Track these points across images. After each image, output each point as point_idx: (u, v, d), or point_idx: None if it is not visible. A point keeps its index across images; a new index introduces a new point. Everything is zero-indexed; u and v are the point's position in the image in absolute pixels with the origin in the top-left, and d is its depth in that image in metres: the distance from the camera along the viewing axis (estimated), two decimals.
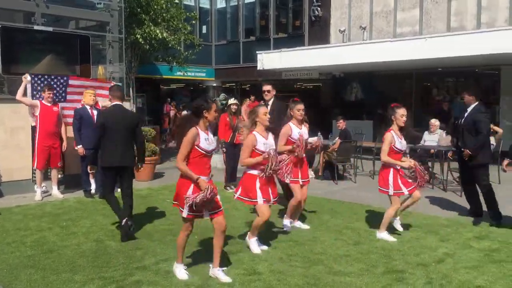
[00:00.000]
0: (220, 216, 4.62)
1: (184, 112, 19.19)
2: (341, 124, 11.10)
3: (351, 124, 11.64)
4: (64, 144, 8.73)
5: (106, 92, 9.13)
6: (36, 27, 9.61)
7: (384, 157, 5.97)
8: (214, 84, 22.98)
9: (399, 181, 5.98)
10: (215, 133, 9.06)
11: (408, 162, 6.03)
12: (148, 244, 5.83)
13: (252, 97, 18.49)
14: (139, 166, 6.44)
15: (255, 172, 5.38)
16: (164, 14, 14.46)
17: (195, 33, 19.88)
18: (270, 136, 5.52)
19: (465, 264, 5.14)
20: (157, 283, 4.61)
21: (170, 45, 14.79)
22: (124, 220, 5.99)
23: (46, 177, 8.86)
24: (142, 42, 13.83)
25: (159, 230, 6.50)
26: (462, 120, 7.13)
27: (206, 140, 4.53)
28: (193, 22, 16.94)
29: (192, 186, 4.49)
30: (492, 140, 10.37)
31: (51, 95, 8.43)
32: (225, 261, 5.12)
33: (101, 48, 11.48)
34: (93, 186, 8.84)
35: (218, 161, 10.54)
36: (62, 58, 9.93)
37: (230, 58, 21.79)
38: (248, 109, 8.44)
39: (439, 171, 10.09)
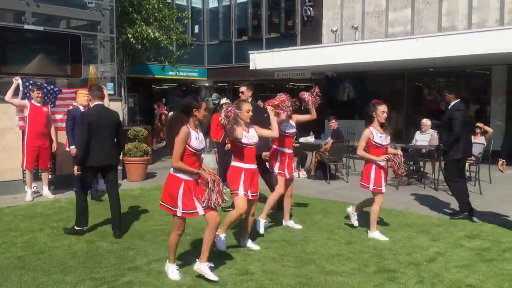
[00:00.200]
0: (214, 211, 4.60)
1: (171, 113, 19.14)
2: (333, 124, 11.12)
3: (343, 124, 11.66)
4: (54, 145, 8.66)
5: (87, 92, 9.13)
6: (26, 27, 9.52)
7: (359, 151, 6.16)
8: (206, 84, 22.95)
9: (382, 178, 6.07)
10: (207, 133, 9.06)
11: (383, 156, 6.03)
12: (140, 245, 5.81)
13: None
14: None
15: (240, 164, 5.39)
16: (156, 14, 14.42)
17: (187, 33, 19.84)
18: (252, 129, 5.46)
19: (456, 263, 5.16)
20: (149, 284, 4.59)
21: (162, 45, 14.75)
22: (79, 228, 6.19)
23: (37, 177, 8.80)
24: (134, 42, 13.78)
25: (150, 230, 6.48)
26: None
27: (196, 139, 4.54)
28: (185, 21, 16.90)
29: (182, 184, 4.48)
30: (483, 139, 10.46)
31: (40, 94, 8.36)
32: (215, 260, 5.12)
33: (93, 48, 11.40)
34: None
35: (210, 161, 10.52)
36: (53, 57, 9.87)
37: (223, 58, 21.77)
38: None
39: (431, 171, 10.14)
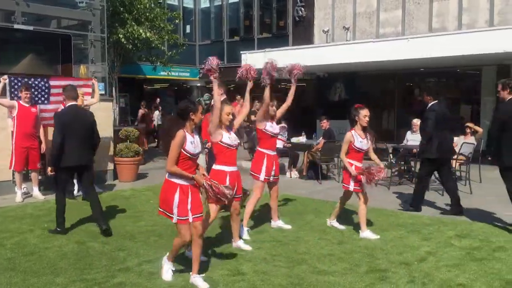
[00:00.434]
0: (199, 220, 4.55)
1: (156, 113, 19.06)
2: (325, 124, 11.15)
3: (334, 124, 11.69)
4: (43, 145, 8.58)
5: (89, 90, 9.06)
6: (16, 26, 9.46)
7: (342, 155, 6.29)
8: (198, 84, 22.91)
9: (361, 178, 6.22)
10: (198, 133, 9.02)
11: (354, 171, 6.12)
12: (131, 245, 5.78)
13: (238, 97, 18.50)
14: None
15: (224, 167, 5.36)
16: (147, 14, 14.38)
17: (179, 32, 19.80)
18: (233, 132, 5.47)
19: (447, 262, 5.19)
20: (140, 285, 4.57)
21: (153, 45, 14.70)
22: (59, 230, 6.23)
23: (26, 178, 8.73)
24: (125, 42, 13.72)
25: (142, 231, 6.45)
26: None
27: (192, 144, 4.46)
28: (177, 21, 16.86)
29: (178, 189, 4.43)
30: (473, 139, 10.54)
31: (28, 95, 8.26)
32: (207, 261, 5.12)
33: (83, 48, 11.34)
34: (75, 187, 8.73)
35: (202, 161, 10.50)
36: (43, 57, 9.81)
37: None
38: (239, 109, 8.44)
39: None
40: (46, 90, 8.84)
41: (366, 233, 6.14)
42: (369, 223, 6.52)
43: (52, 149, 6.44)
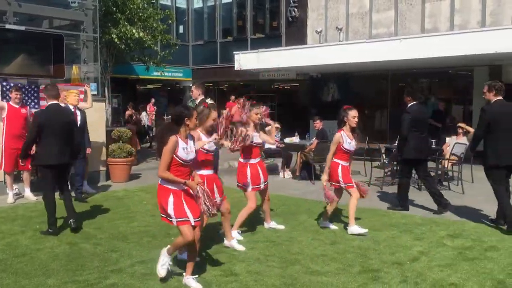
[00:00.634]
0: (198, 225, 4.52)
1: (144, 114, 19.01)
2: (318, 124, 11.17)
3: (328, 125, 11.69)
4: (34, 147, 8.50)
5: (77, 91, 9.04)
6: (7, 26, 9.37)
7: (329, 155, 6.37)
8: (191, 84, 22.86)
9: (349, 174, 6.40)
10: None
11: (326, 181, 6.39)
12: (124, 246, 5.76)
13: (232, 97, 18.50)
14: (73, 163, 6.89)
15: (202, 172, 5.28)
16: (140, 14, 14.34)
17: (172, 33, 19.76)
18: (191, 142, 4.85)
19: (439, 262, 5.22)
20: (133, 286, 4.55)
21: (146, 45, 14.66)
22: (51, 231, 6.23)
23: (18, 179, 8.67)
24: (118, 42, 13.67)
25: (135, 231, 6.43)
26: None
27: (184, 150, 4.39)
28: (170, 21, 16.84)
29: (171, 194, 4.39)
30: (465, 140, 10.58)
31: (18, 96, 8.25)
32: (200, 262, 5.10)
33: (75, 48, 11.28)
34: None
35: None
36: (35, 58, 9.72)
37: (207, 58, 21.73)
38: (236, 110, 8.36)
39: (414, 171, 10.21)
40: (36, 94, 8.84)
41: (354, 228, 6.24)
42: (362, 223, 6.54)
43: (23, 144, 6.63)
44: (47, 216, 6.35)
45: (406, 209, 7.61)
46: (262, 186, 6.22)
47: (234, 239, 5.76)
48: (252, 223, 6.70)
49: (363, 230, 6.19)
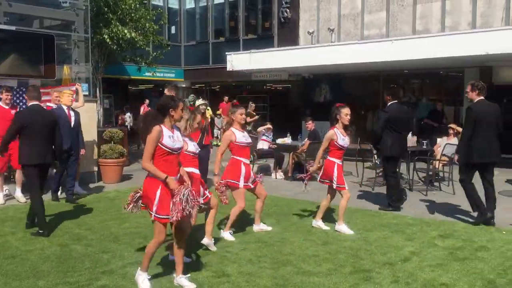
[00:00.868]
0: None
1: (127, 114, 18.96)
2: (310, 125, 11.18)
3: (320, 125, 11.72)
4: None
5: (71, 92, 9.00)
6: None
7: (320, 150, 6.50)
8: (184, 85, 22.83)
9: (343, 176, 6.46)
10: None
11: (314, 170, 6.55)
12: (115, 248, 5.73)
13: (226, 98, 18.50)
14: (56, 163, 6.85)
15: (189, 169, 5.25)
16: (132, 14, 14.29)
17: (164, 33, 19.72)
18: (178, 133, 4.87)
19: (430, 262, 5.24)
20: (124, 287, 4.53)
21: (138, 45, 14.62)
22: (41, 232, 6.22)
23: (8, 180, 8.60)
24: (109, 42, 13.62)
25: (127, 233, 6.40)
26: None
27: (170, 138, 4.33)
28: (162, 22, 16.81)
29: (160, 187, 4.30)
30: (456, 140, 10.64)
31: (9, 96, 8.23)
32: (191, 263, 5.10)
33: (67, 48, 11.24)
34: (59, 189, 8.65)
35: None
36: (26, 58, 9.66)
37: (200, 59, 21.69)
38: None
39: (406, 171, 10.28)
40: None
41: (342, 227, 6.36)
42: (354, 224, 6.56)
43: (1, 142, 6.72)
44: (36, 217, 6.33)
45: (397, 210, 7.65)
46: (251, 184, 6.23)
47: (212, 240, 5.67)
48: (244, 224, 6.69)
49: (349, 231, 6.32)
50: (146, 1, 15.85)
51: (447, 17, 14.58)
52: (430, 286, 4.60)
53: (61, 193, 8.61)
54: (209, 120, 12.53)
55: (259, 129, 12.04)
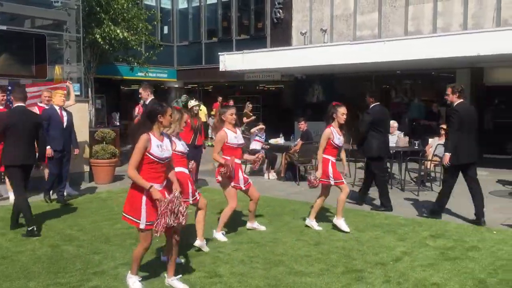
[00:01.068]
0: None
1: (113, 114, 18.90)
2: (302, 125, 11.19)
3: (312, 126, 11.75)
4: None
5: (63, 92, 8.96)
6: None
7: (319, 152, 6.47)
8: (176, 85, 22.77)
9: (338, 171, 6.48)
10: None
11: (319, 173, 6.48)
12: (107, 248, 5.71)
13: (220, 98, 18.48)
14: (39, 164, 6.79)
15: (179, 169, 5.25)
16: (125, 14, 14.24)
17: (157, 33, 19.66)
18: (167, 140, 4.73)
19: (422, 262, 5.27)
20: None
21: (130, 45, 14.56)
22: (29, 230, 6.22)
23: (0, 181, 8.54)
24: (102, 42, 13.57)
25: (118, 233, 6.37)
26: None
27: (158, 147, 4.26)
28: (155, 22, 16.75)
29: (144, 197, 4.23)
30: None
31: (4, 97, 8.18)
32: (184, 264, 5.09)
33: (58, 48, 11.17)
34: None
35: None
36: (17, 57, 9.61)
37: (192, 59, 21.65)
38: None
39: (397, 172, 10.32)
40: None
41: (341, 222, 6.39)
42: (346, 224, 6.56)
43: None
44: (23, 216, 6.33)
45: (389, 210, 7.68)
46: (243, 187, 6.18)
47: (204, 241, 5.67)
48: (236, 224, 6.70)
49: (346, 228, 6.35)
50: (138, 1, 15.80)
51: (438, 18, 14.66)
52: (422, 285, 4.62)
53: (52, 193, 8.55)
54: (202, 120, 12.50)
55: (252, 130, 12.04)
